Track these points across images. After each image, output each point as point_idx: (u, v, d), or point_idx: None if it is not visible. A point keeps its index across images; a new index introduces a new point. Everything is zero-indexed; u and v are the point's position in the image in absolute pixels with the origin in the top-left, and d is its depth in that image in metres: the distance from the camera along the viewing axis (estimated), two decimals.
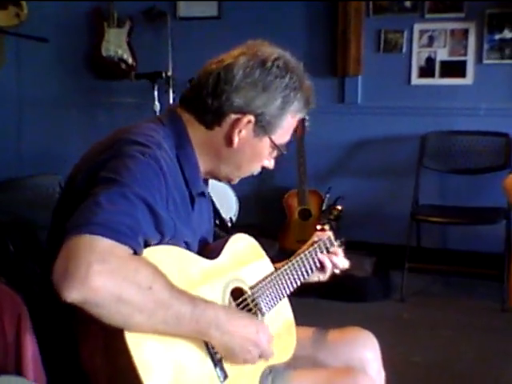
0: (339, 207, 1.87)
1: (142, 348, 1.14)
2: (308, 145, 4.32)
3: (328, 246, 1.75)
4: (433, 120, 4.22)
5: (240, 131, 1.41)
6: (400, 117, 4.32)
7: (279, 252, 3.98)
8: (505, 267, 3.54)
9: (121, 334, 1.12)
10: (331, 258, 1.73)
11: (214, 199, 3.16)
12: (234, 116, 1.41)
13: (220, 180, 1.54)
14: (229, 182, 1.55)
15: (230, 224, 4.32)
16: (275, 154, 1.51)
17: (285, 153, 1.51)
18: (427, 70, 4.26)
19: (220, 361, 1.31)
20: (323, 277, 1.76)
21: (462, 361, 3.01)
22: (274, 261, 1.66)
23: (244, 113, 1.40)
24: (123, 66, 4.89)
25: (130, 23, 4.87)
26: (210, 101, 1.41)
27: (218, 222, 3.05)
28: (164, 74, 4.30)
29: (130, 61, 4.89)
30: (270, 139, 1.45)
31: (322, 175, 4.52)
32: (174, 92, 4.37)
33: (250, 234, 4.15)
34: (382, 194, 4.41)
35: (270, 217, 4.59)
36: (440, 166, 4.17)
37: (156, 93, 4.29)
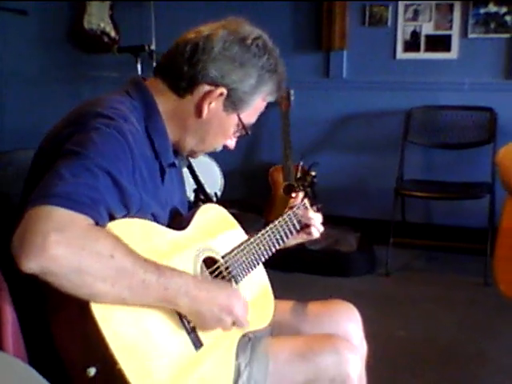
0: (313, 173, 1.88)
1: (110, 319, 1.13)
2: (293, 120, 4.30)
3: (302, 211, 1.76)
4: (418, 95, 4.21)
5: (210, 103, 1.42)
6: (385, 91, 4.31)
7: (264, 227, 3.97)
8: (488, 242, 3.56)
9: (87, 306, 1.11)
10: (307, 222, 1.74)
11: (199, 174, 3.15)
12: (207, 87, 1.41)
13: (183, 154, 1.53)
14: (191, 156, 1.55)
15: (214, 199, 4.31)
16: (239, 133, 1.52)
17: (249, 134, 1.51)
18: (412, 44, 4.24)
19: (194, 329, 1.30)
20: (298, 240, 1.79)
21: (445, 335, 3.04)
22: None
23: (217, 85, 1.41)
24: (106, 39, 4.83)
25: None
26: (185, 68, 1.41)
27: (202, 197, 3.04)
28: (147, 48, 4.25)
29: (113, 34, 4.83)
30: (238, 116, 1.46)
31: (306, 150, 4.50)
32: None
33: (234, 209, 4.14)
34: (367, 168, 4.41)
35: (256, 192, 4.58)
36: (424, 140, 4.17)
37: (139, 66, 4.25)
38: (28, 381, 1.04)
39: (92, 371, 1.12)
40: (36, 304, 1.18)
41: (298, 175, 1.94)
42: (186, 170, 3.04)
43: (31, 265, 1.04)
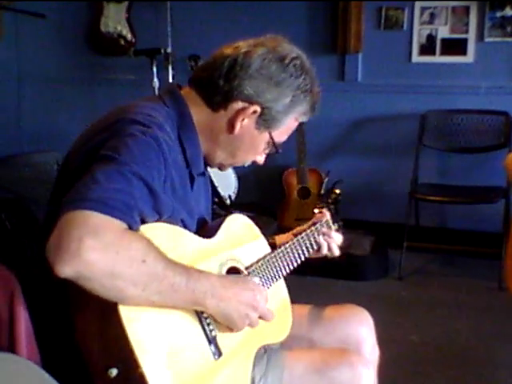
0: (337, 191, 1.89)
1: (136, 322, 1.14)
2: (308, 123, 4.28)
3: (325, 229, 1.76)
4: (433, 98, 4.20)
5: (243, 120, 1.42)
6: (400, 95, 4.30)
7: (278, 231, 3.98)
8: (503, 246, 3.54)
9: (115, 308, 1.12)
10: (328, 241, 1.75)
11: (213, 177, 3.17)
12: (241, 103, 1.42)
13: (212, 166, 1.54)
14: (220, 168, 1.56)
15: (228, 202, 4.33)
16: (269, 150, 1.52)
17: (279, 152, 1.52)
18: (428, 48, 4.23)
19: (214, 338, 1.31)
20: (319, 255, 1.79)
21: (459, 340, 3.03)
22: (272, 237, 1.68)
23: (252, 102, 1.41)
24: (122, 42, 4.86)
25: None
26: (221, 83, 1.41)
27: (216, 199, 3.06)
28: (163, 51, 4.27)
29: (129, 37, 4.86)
30: (270, 135, 1.46)
31: (321, 153, 4.51)
32: (173, 69, 4.34)
33: (248, 212, 4.15)
34: (382, 172, 4.41)
35: (270, 195, 4.59)
36: (440, 144, 4.16)
37: (155, 69, 4.26)
38: (39, 383, 1.05)
39: (114, 372, 1.14)
40: (52, 306, 1.19)
41: (322, 191, 1.94)
42: None
43: (66, 269, 1.05)
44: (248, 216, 2.04)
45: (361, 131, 4.47)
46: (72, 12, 5.03)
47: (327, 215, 1.80)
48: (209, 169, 3.12)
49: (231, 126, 1.43)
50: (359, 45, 4.33)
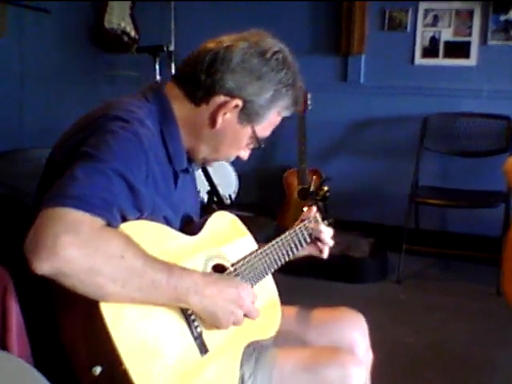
0: (325, 188, 1.89)
1: (118, 320, 1.14)
2: (309, 123, 4.30)
3: (313, 224, 1.76)
4: (435, 101, 4.19)
5: (225, 114, 1.42)
6: (402, 97, 4.29)
7: (277, 231, 3.98)
8: (502, 251, 3.53)
9: (96, 305, 1.12)
10: (318, 236, 1.76)
11: (214, 176, 3.17)
12: (223, 97, 1.41)
13: (196, 161, 1.53)
14: (204, 163, 1.55)
15: (229, 201, 4.32)
16: (252, 145, 1.51)
17: (262, 146, 1.51)
18: (431, 50, 4.23)
19: (200, 335, 1.31)
20: (309, 253, 1.81)
21: (456, 343, 3.02)
22: (270, 240, 1.66)
23: (233, 96, 1.41)
24: (126, 38, 4.86)
25: None
26: (203, 77, 1.41)
27: (215, 199, 3.05)
28: (165, 48, 4.27)
29: (133, 34, 4.85)
30: (253, 129, 1.46)
31: (322, 154, 4.51)
32: (175, 66, 4.34)
33: (248, 212, 4.15)
34: (382, 174, 4.40)
35: (270, 195, 4.58)
36: (441, 147, 4.15)
37: (157, 67, 4.26)
38: (30, 381, 1.05)
39: (98, 370, 1.13)
40: (42, 302, 1.19)
41: (311, 189, 1.94)
42: (200, 173, 3.06)
43: (43, 266, 1.05)
44: (247, 216, 2.03)
45: (362, 133, 4.46)
46: (76, 8, 5.03)
47: (314, 211, 1.80)
48: (208, 168, 3.12)
49: (213, 121, 1.43)
50: (362, 46, 4.32)
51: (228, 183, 4.45)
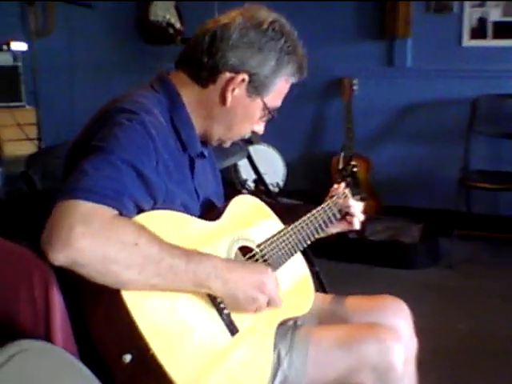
0: (353, 162, 1.89)
1: (142, 306, 1.16)
2: (356, 109, 4.27)
3: (341, 200, 1.76)
4: (484, 83, 4.10)
5: (233, 90, 1.43)
6: (450, 80, 4.22)
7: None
8: None
9: (118, 294, 1.14)
10: (347, 211, 1.75)
11: (261, 164, 3.18)
12: (228, 74, 1.43)
13: (212, 144, 1.54)
14: (220, 145, 1.55)
15: (277, 189, 4.33)
16: (266, 117, 1.53)
17: (275, 116, 1.52)
18: (479, 31, 4.14)
19: (228, 316, 1.32)
20: (341, 229, 1.79)
21: (508, 330, 2.96)
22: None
23: (238, 71, 1.42)
24: (171, 30, 4.89)
25: None
26: (205, 59, 1.43)
27: (262, 187, 3.07)
28: None
29: (178, 25, 4.88)
30: (263, 100, 1.47)
31: (370, 140, 4.47)
32: None
33: (296, 200, 4.15)
34: (431, 158, 4.34)
35: (318, 182, 4.57)
36: (491, 130, 4.07)
37: None
38: (74, 372, 1.08)
39: (127, 358, 1.15)
40: (71, 294, 1.22)
41: (340, 166, 1.95)
42: (246, 162, 3.07)
43: (59, 257, 1.08)
44: (294, 204, 2.02)
45: (410, 117, 4.41)
46: (122, 2, 5.09)
47: (342, 187, 1.80)
48: (254, 156, 3.13)
49: (223, 99, 1.44)
50: (408, 29, 4.26)
51: (275, 171, 4.46)
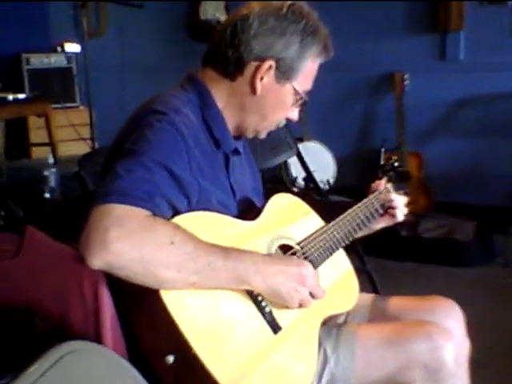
0: (394, 157, 1.87)
1: (181, 306, 1.16)
2: (408, 104, 4.22)
3: (383, 195, 1.73)
4: None
5: (262, 78, 1.42)
6: (504, 73, 4.12)
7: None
8: None
9: (157, 295, 1.14)
10: (390, 205, 1.72)
11: (312, 161, 3.16)
12: (254, 63, 1.42)
13: (247, 136, 1.53)
14: (256, 137, 1.53)
15: (327, 186, 4.30)
16: (298, 103, 1.50)
17: (307, 100, 1.49)
18: None
19: (270, 313, 1.31)
20: (386, 224, 1.76)
21: None
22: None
23: (264, 59, 1.41)
24: None
25: None
26: (230, 52, 1.42)
27: (311, 185, 3.05)
28: None
29: None
30: (292, 85, 1.45)
31: (422, 136, 4.40)
32: None
33: (346, 197, 4.11)
34: (485, 154, 4.25)
35: (369, 179, 4.51)
36: None
37: None
38: (123, 374, 1.09)
39: (171, 359, 1.16)
40: (116, 296, 1.23)
41: (382, 162, 1.92)
42: (295, 159, 3.06)
43: (96, 261, 1.10)
44: (344, 201, 2.00)
45: (463, 112, 4.32)
46: (172, 1, 5.13)
47: (383, 182, 1.78)
48: (304, 153, 3.11)
49: (253, 88, 1.43)
50: (461, 22, 4.19)
51: (325, 168, 4.43)
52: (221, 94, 1.45)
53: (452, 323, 1.63)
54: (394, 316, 1.65)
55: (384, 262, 3.52)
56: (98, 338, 1.15)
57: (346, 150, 4.65)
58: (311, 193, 3.30)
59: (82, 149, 4.09)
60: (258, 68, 1.42)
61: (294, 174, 4.20)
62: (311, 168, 3.17)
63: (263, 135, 1.54)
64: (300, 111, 1.55)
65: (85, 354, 1.05)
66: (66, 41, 5.07)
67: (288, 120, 1.55)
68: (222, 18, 4.89)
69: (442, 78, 4.32)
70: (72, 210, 1.58)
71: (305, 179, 3.81)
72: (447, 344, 1.45)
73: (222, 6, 4.93)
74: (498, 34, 4.13)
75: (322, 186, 4.02)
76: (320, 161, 4.37)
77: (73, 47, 5.00)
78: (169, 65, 5.22)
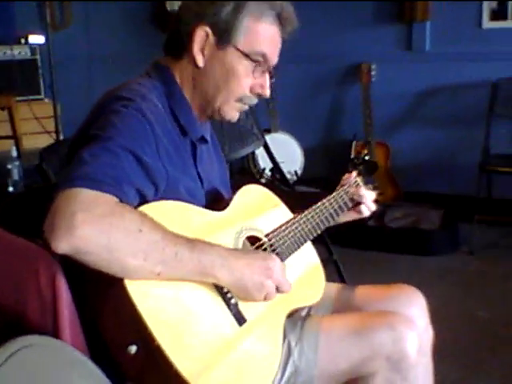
0: (365, 151, 1.86)
1: (146, 296, 1.14)
2: (374, 95, 4.23)
3: (353, 189, 1.73)
4: (505, 65, 4.03)
5: (203, 48, 1.40)
6: (470, 63, 4.15)
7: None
8: None
9: (122, 284, 1.13)
10: (358, 200, 1.72)
11: (278, 152, 3.16)
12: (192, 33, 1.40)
13: (214, 117, 1.48)
14: (222, 118, 1.47)
15: (294, 177, 4.31)
16: (258, 69, 1.43)
17: (270, 64, 1.43)
18: (499, 13, 4.06)
19: (236, 305, 1.30)
20: (352, 219, 1.76)
21: None
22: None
23: (197, 25, 1.39)
24: None
25: None
26: (174, 31, 1.44)
27: (279, 176, 3.05)
28: None
29: None
30: (235, 47, 1.40)
31: (389, 126, 4.43)
32: None
33: (315, 187, 4.12)
34: (452, 143, 4.28)
35: (336, 169, 4.52)
36: None
37: None
38: (80, 368, 1.07)
39: (133, 349, 1.14)
40: (77, 286, 1.21)
41: (352, 155, 1.92)
42: (262, 150, 3.06)
43: (62, 246, 1.07)
44: (312, 192, 1.99)
45: (429, 102, 4.35)
46: None
47: (353, 175, 1.77)
48: (272, 145, 3.10)
49: (194, 60, 1.40)
50: (427, 12, 4.21)
51: (293, 159, 4.43)
52: (179, 75, 1.43)
53: (415, 311, 1.64)
54: (359, 305, 1.64)
55: (351, 251, 3.54)
56: (55, 333, 1.13)
57: (314, 141, 4.66)
58: (278, 184, 3.31)
59: (46, 142, 4.02)
60: (193, 37, 1.39)
61: (262, 165, 4.19)
62: (279, 159, 3.17)
63: (230, 114, 1.47)
64: (268, 101, 1.50)
65: (41, 348, 1.03)
66: (31, 33, 4.98)
67: (259, 96, 1.47)
68: None
69: (408, 69, 4.35)
70: (31, 203, 1.56)
71: (272, 170, 3.81)
72: (410, 334, 1.44)
73: None
74: (463, 25, 4.17)
75: (289, 177, 4.03)
76: (288, 152, 4.37)
77: (37, 39, 4.92)
78: (136, 56, 5.15)
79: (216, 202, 1.46)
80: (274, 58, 1.46)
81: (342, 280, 2.71)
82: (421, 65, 4.32)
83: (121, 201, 1.16)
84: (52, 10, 4.76)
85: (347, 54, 4.43)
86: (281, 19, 1.44)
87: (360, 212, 1.74)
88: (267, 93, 1.46)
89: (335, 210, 1.67)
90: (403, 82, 4.36)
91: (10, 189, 3.49)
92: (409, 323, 1.49)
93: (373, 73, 4.28)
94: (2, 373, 0.94)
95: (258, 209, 1.52)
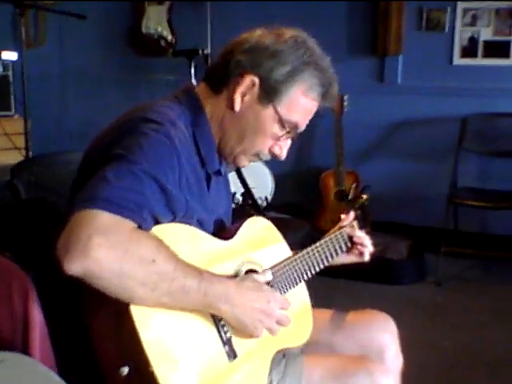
0: (364, 196, 1.86)
1: (148, 323, 1.14)
2: (346, 124, 4.28)
3: (349, 231, 1.74)
4: (474, 101, 4.13)
5: (244, 94, 1.39)
6: (441, 98, 4.24)
7: (312, 233, 3.96)
8: None
9: (127, 308, 1.12)
10: (357, 242, 1.73)
11: (250, 177, 3.16)
12: (239, 77, 1.39)
13: (227, 160, 1.48)
14: (235, 162, 1.47)
15: (265, 203, 4.32)
16: (284, 136, 1.43)
17: (297, 132, 1.44)
18: (470, 50, 4.17)
19: (229, 340, 1.30)
20: (350, 261, 1.77)
21: (496, 348, 2.95)
22: (306, 245, 1.64)
23: (249, 74, 1.38)
24: (163, 43, 4.90)
25: (170, 0, 4.87)
26: (220, 65, 1.41)
27: (249, 201, 3.05)
28: (201, 52, 4.27)
29: (170, 38, 4.89)
30: (275, 108, 1.39)
31: (359, 156, 4.48)
32: None
33: (283, 214, 4.12)
34: (420, 175, 4.35)
35: (307, 197, 4.56)
36: (480, 148, 4.08)
37: (193, 70, 4.28)
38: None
39: (125, 370, 1.14)
40: (67, 306, 1.20)
41: (350, 197, 1.92)
42: (234, 175, 3.06)
43: (74, 268, 1.05)
44: (282, 218, 2.00)
45: (400, 134, 4.42)
46: (114, 13, 5.11)
47: (351, 217, 1.77)
48: (243, 171, 3.11)
49: (231, 101, 1.39)
50: (400, 46, 4.29)
51: (264, 185, 4.45)
52: (210, 108, 1.42)
53: (387, 337, 1.66)
54: (330, 331, 1.66)
55: (318, 277, 3.53)
56: (25, 349, 1.11)
57: (285, 168, 4.68)
58: (249, 208, 3.30)
59: (15, 158, 3.98)
60: (240, 81, 1.38)
61: (233, 190, 4.19)
62: (250, 184, 3.17)
63: (242, 163, 1.48)
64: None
65: (9, 364, 1.01)
66: (3, 49, 4.95)
67: (273, 156, 1.47)
68: (165, 32, 4.88)
69: (380, 101, 4.41)
70: (1, 219, 1.53)
71: (243, 195, 3.81)
72: (385, 380, 1.49)
73: (165, 20, 4.92)
74: (435, 60, 4.26)
75: (259, 202, 4.04)
76: (258, 178, 4.39)
77: (10, 55, 4.88)
78: (109, 76, 5.17)
79: (223, 231, 1.47)
80: (303, 127, 1.47)
81: None
82: (392, 97, 4.40)
83: (139, 227, 1.14)
84: (27, 27, 4.74)
85: None
86: (324, 96, 1.44)
87: (362, 255, 1.75)
88: (284, 156, 1.46)
89: (331, 253, 1.68)
90: (375, 114, 4.42)
91: None
92: (385, 370, 1.54)
93: (345, 103, 4.33)
94: None
95: (261, 242, 1.52)
